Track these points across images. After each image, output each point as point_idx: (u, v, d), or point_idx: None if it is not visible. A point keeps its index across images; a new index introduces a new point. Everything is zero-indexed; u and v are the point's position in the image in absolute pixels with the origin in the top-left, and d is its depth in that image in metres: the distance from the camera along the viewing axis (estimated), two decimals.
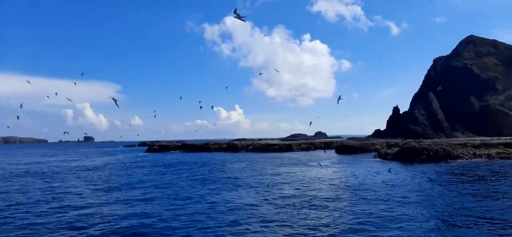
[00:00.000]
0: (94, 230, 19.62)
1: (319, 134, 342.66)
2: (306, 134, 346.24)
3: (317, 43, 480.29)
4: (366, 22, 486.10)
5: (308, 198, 27.05)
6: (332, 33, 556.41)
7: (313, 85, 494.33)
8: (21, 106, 68.26)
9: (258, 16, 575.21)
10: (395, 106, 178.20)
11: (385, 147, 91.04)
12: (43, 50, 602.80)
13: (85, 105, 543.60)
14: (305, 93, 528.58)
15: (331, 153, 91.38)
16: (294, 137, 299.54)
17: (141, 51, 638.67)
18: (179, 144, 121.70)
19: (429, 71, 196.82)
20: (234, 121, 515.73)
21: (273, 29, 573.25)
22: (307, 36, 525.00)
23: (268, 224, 19.75)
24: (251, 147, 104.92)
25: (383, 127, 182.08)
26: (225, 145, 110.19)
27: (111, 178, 44.01)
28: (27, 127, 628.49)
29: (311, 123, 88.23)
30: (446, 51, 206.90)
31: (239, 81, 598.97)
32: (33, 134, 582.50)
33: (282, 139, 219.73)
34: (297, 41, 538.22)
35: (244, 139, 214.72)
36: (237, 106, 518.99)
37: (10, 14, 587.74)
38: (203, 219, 21.35)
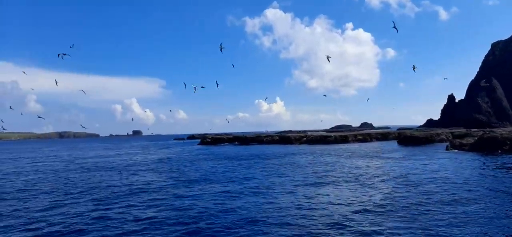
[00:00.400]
0: (204, 224, 18.16)
1: (364, 125, 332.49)
2: (351, 125, 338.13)
3: (360, 32, 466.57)
4: (412, 8, 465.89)
5: (420, 197, 23.88)
6: (376, 21, 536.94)
7: (356, 75, 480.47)
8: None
9: (299, 6, 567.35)
10: (450, 94, 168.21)
11: (450, 137, 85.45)
12: (91, 49, 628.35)
13: (132, 101, 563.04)
14: (348, 83, 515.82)
15: (392, 144, 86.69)
16: (338, 128, 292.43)
17: (184, 46, 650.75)
18: (231, 136, 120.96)
19: (487, 56, 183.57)
20: (275, 113, 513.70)
21: (314, 20, 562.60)
22: (349, 25, 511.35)
23: (397, 230, 17.04)
24: (304, 139, 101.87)
25: (432, 116, 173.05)
26: (277, 138, 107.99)
27: (183, 171, 43.05)
28: (79, 122, 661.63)
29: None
30: (500, 36, 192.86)
31: (280, 73, 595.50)
32: (86, 129, 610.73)
33: (326, 131, 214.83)
34: (339, 31, 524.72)
35: (290, 131, 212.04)
36: (277, 98, 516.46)
37: (55, 16, 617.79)
38: (307, 218, 19.00)
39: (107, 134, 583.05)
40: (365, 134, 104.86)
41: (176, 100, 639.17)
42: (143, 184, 32.90)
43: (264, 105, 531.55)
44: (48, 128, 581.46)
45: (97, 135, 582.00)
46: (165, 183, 33.64)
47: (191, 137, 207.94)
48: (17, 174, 46.14)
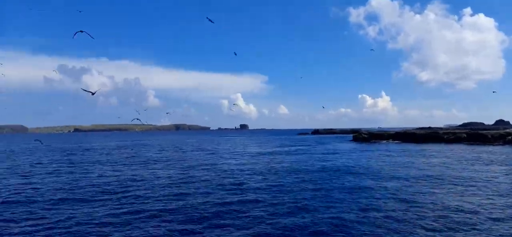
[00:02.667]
0: None
1: (500, 123, 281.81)
2: (483, 122, 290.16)
3: (481, 17, 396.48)
4: None
5: None
6: (500, 3, 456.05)
7: (476, 66, 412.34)
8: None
9: None
10: None
11: None
12: (201, 47, 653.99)
13: (237, 96, 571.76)
14: (466, 76, 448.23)
15: None
16: (467, 125, 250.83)
17: (286, 41, 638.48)
18: (393, 133, 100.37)
19: None
20: (380, 109, 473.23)
21: (426, 6, 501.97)
22: (467, 10, 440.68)
23: None
24: (510, 137, 77.08)
25: None
26: (464, 135, 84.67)
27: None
28: (192, 116, 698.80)
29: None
30: None
31: (386, 65, 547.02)
32: (197, 122, 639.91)
33: (456, 127, 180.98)
34: (456, 17, 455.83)
35: (431, 128, 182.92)
36: (383, 93, 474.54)
37: (169, 18, 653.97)
38: None
39: (216, 127, 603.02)
40: None
41: (277, 95, 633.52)
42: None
43: (369, 100, 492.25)
44: (165, 121, 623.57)
45: (208, 128, 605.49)
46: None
47: (315, 132, 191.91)
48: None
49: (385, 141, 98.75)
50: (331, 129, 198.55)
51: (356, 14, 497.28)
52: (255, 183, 29.20)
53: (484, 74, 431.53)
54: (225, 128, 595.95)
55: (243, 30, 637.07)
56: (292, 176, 32.90)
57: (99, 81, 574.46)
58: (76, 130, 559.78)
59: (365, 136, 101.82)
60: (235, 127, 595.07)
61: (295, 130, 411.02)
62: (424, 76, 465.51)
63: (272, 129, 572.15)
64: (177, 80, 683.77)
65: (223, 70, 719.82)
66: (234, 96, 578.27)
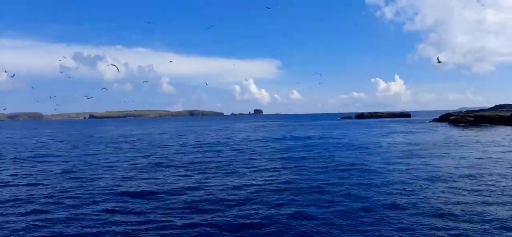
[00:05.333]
0: None
1: None
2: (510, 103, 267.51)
3: None
4: None
5: None
6: None
7: (495, 47, 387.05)
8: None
9: None
10: None
11: None
12: (213, 34, 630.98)
13: (250, 81, 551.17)
14: (484, 57, 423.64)
15: None
16: (500, 108, 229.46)
17: (300, 23, 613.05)
18: (509, 115, 79.69)
19: None
20: (393, 93, 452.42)
21: None
22: None
23: None
24: None
25: None
26: None
27: None
28: (205, 102, 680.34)
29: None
30: None
31: (401, 47, 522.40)
32: (210, 108, 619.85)
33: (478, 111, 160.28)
34: None
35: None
36: (396, 77, 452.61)
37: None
38: None
39: (230, 113, 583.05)
40: None
41: (290, 80, 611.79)
42: None
43: (381, 84, 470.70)
44: (178, 107, 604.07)
45: (222, 114, 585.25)
46: None
47: (360, 116, 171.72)
48: None
49: (496, 125, 78.58)
50: (376, 112, 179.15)
51: None
52: None
53: (504, 56, 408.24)
54: (239, 114, 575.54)
55: (255, 15, 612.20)
56: None
57: (113, 68, 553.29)
58: (91, 116, 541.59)
59: (471, 119, 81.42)
60: (249, 113, 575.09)
61: (311, 115, 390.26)
62: (440, 58, 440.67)
63: (286, 114, 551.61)
64: (190, 67, 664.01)
65: (236, 56, 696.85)
66: (246, 82, 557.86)
